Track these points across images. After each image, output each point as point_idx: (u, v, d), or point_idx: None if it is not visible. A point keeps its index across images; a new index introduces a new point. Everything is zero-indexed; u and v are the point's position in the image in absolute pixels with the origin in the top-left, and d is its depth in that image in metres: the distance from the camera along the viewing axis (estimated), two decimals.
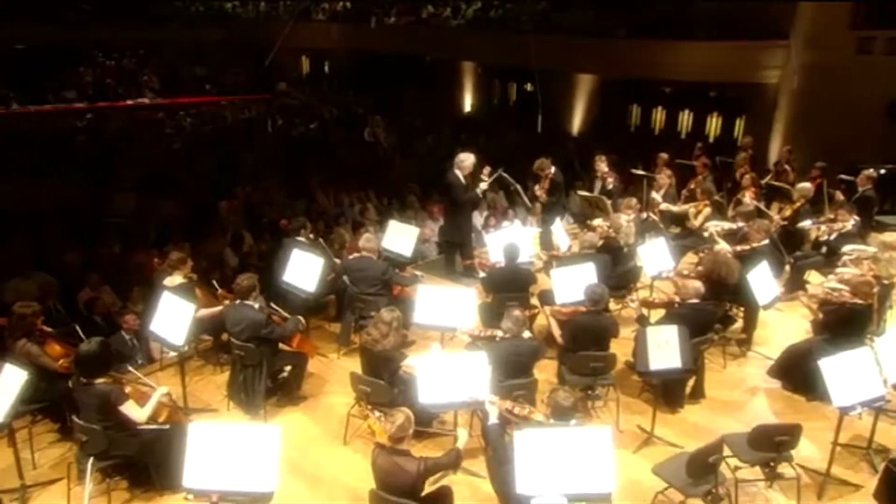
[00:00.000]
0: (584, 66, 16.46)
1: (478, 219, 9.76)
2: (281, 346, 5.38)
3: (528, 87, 18.62)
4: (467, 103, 20.44)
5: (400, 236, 6.86)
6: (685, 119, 15.82)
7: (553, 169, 8.06)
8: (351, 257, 6.23)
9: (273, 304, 5.62)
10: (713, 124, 15.02)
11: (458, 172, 7.37)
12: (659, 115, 16.27)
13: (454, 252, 7.76)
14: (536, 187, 8.10)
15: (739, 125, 14.46)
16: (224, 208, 9.83)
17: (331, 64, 24.11)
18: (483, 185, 7.38)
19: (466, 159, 7.36)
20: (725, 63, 13.36)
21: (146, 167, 11.77)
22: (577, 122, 17.26)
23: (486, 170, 7.50)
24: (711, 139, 14.61)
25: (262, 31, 18.74)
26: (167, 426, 4.28)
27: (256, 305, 5.20)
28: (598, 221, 7.42)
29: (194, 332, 5.35)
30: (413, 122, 17.52)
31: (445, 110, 19.17)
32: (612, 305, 6.52)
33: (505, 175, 8.02)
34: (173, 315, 4.94)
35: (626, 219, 7.07)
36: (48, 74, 18.24)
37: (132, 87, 19.86)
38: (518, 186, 8.12)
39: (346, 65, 22.81)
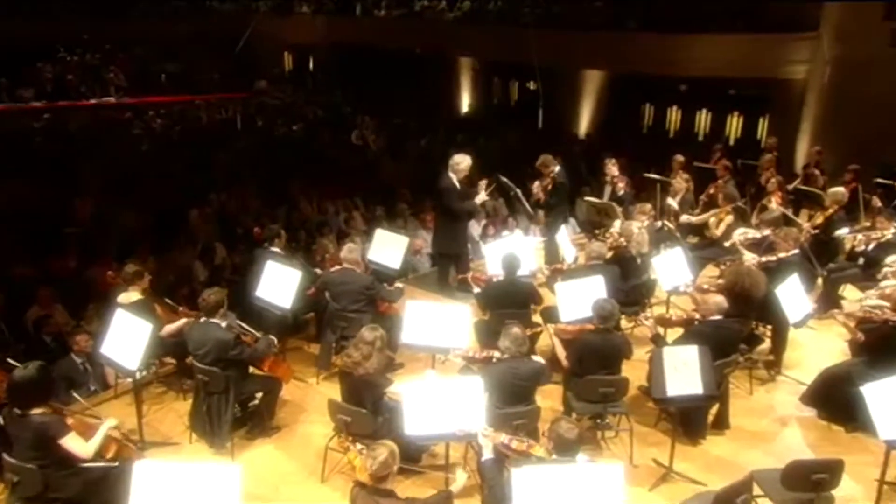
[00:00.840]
0: (592, 61, 16.52)
1: (475, 228, 9.80)
2: (252, 369, 5.26)
3: (531, 85, 18.73)
4: (464, 103, 20.47)
5: (387, 246, 6.81)
6: (703, 119, 15.83)
7: (558, 168, 8.03)
8: (332, 270, 6.16)
9: (244, 324, 5.55)
10: (734, 124, 15.05)
11: (452, 176, 7.36)
12: (674, 116, 16.35)
13: (448, 265, 7.73)
14: (535, 184, 8.03)
15: (762, 125, 14.52)
16: (195, 217, 9.80)
17: (316, 60, 24.21)
18: (481, 197, 7.40)
19: (462, 161, 7.33)
20: (747, 57, 13.34)
21: (110, 171, 11.81)
22: (584, 123, 17.34)
23: (483, 183, 7.50)
24: (732, 141, 14.66)
25: (241, 25, 18.74)
26: (115, 464, 4.08)
27: (224, 324, 5.04)
28: (613, 229, 7.46)
29: (155, 353, 5.26)
30: (405, 123, 17.63)
31: (441, 110, 19.41)
32: (624, 323, 6.52)
33: (504, 180, 8.11)
34: (128, 336, 4.79)
35: (638, 226, 7.06)
36: (2, 71, 18.24)
37: (96, 84, 19.85)
38: (518, 191, 8.07)
39: (333, 61, 22.92)
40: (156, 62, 21.87)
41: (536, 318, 6.26)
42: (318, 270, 6.49)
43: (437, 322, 5.10)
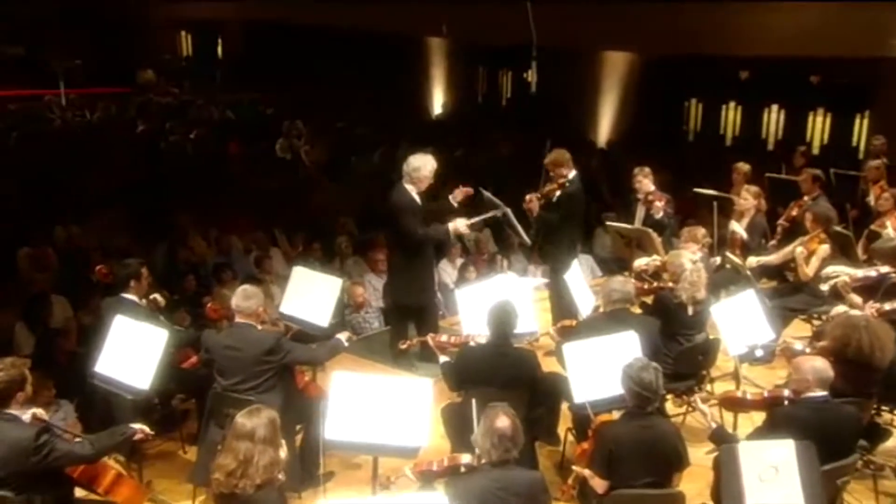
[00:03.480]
0: (615, 39, 16.55)
1: (447, 270, 9.98)
2: (79, 490, 5.06)
3: (530, 76, 18.66)
4: (437, 102, 20.69)
5: (311, 292, 6.85)
6: (773, 119, 15.91)
7: (574, 174, 8.16)
8: (221, 328, 6.21)
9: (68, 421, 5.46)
10: (818, 126, 15.24)
11: (410, 189, 7.41)
12: (732, 114, 16.45)
13: (406, 322, 7.74)
14: (530, 197, 8.20)
15: (860, 125, 14.64)
16: (25, 258, 9.74)
17: (226, 44, 24.70)
18: (462, 226, 7.59)
19: (423, 166, 7.39)
20: (836, 31, 13.32)
21: None
22: (603, 128, 17.50)
23: (460, 193, 7.63)
24: (816, 149, 14.83)
25: None
26: None
27: (27, 415, 4.81)
28: (641, 262, 7.61)
29: None
30: (351, 130, 18.00)
31: (402, 112, 19.68)
32: (671, 407, 6.61)
33: (488, 195, 8.13)
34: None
35: (690, 259, 7.00)
36: None
37: None
38: (509, 211, 7.97)
39: (250, 45, 23.34)
40: None
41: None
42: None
43: (383, 408, 5.09)
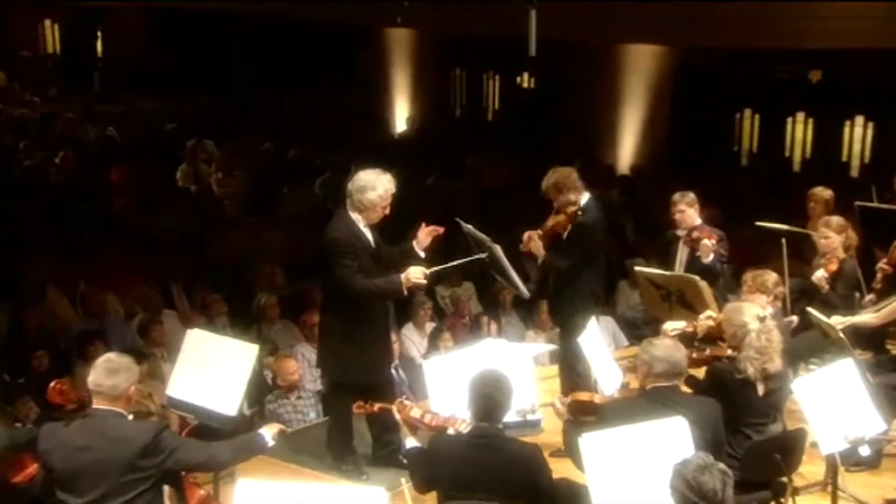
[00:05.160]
0: (640, 30, 16.59)
1: (414, 337, 10.13)
2: None
3: (525, 80, 19.05)
4: (400, 114, 20.90)
5: (214, 367, 6.81)
6: (857, 135, 15.97)
7: (587, 198, 8.26)
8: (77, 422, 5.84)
9: None
10: None
11: (354, 219, 7.48)
12: (801, 130, 16.55)
13: (347, 406, 7.48)
14: (529, 235, 8.30)
15: None
16: None
17: (109, 36, 24.57)
18: (416, 275, 7.45)
19: (373, 186, 7.42)
20: None
21: None
22: (625, 149, 17.66)
23: (424, 234, 7.67)
24: None
25: None
26: None
27: None
28: (677, 325, 7.60)
29: None
30: (283, 152, 18.21)
31: (354, 127, 19.79)
32: None
33: (469, 229, 8.28)
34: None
35: (757, 315, 6.80)
36: None
37: None
38: (497, 250, 8.04)
39: (141, 39, 23.55)
40: None
41: None
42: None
43: None
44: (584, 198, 8.17)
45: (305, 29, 20.28)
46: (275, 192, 15.77)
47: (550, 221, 8.18)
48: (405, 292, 7.76)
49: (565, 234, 8.14)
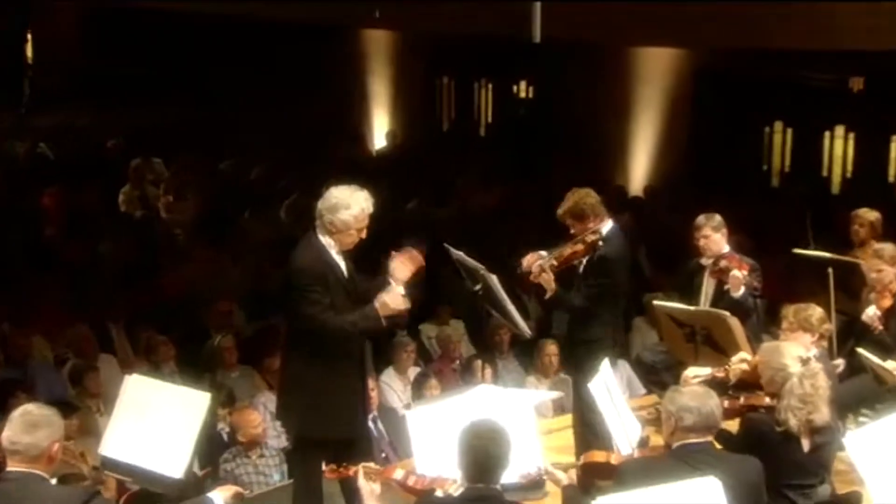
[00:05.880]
0: (654, 31, 16.54)
1: (395, 384, 10.31)
2: None
3: (522, 89, 19.30)
4: (379, 128, 21.16)
5: (158, 419, 6.73)
6: None
7: (609, 226, 8.32)
8: None
9: None
10: None
11: (324, 243, 7.51)
12: (840, 145, 16.57)
13: (317, 464, 7.45)
14: (531, 260, 8.28)
15: None
16: None
17: (39, 38, 24.79)
18: (393, 297, 7.51)
19: (347, 204, 7.44)
20: None
21: None
22: (638, 167, 17.85)
23: (400, 263, 7.65)
24: None
25: None
26: None
27: None
28: (699, 371, 7.63)
29: None
30: (243, 172, 18.43)
31: (325, 144, 20.01)
32: None
33: (460, 256, 8.37)
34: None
35: (799, 356, 6.78)
36: None
37: None
38: (494, 283, 8.11)
39: (82, 40, 23.64)
40: None
41: None
42: None
43: None
44: (607, 226, 8.21)
45: (269, 31, 20.40)
46: (234, 217, 15.74)
47: (567, 250, 8.18)
48: (384, 323, 7.69)
49: (581, 267, 8.20)
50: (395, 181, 17.00)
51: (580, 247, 8.10)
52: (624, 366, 10.58)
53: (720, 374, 7.57)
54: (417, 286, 8.22)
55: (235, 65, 20.95)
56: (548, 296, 8.33)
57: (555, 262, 8.15)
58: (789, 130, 16.71)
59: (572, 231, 8.28)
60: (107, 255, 13.80)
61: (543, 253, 8.42)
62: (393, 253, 7.65)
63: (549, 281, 8.18)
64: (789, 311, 7.74)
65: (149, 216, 16.11)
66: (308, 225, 11.79)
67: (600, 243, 8.08)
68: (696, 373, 7.63)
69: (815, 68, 15.66)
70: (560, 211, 8.33)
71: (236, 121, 20.03)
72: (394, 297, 7.37)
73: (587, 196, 8.27)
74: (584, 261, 8.17)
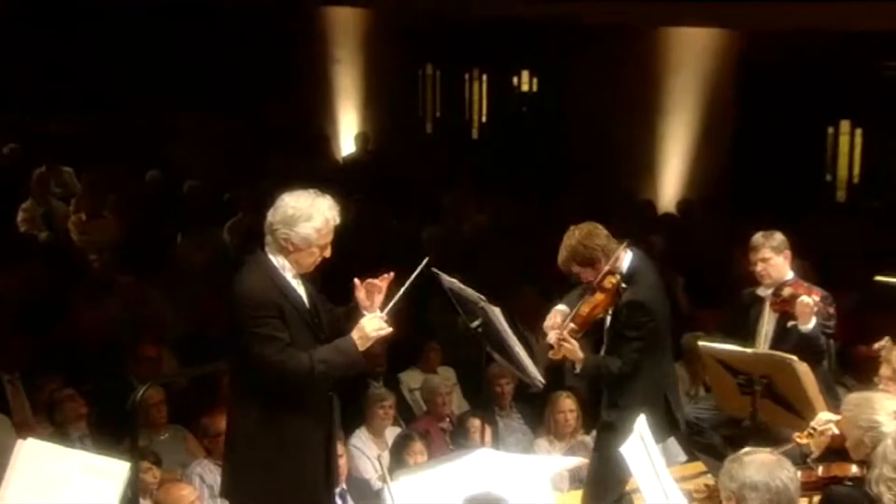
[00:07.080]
0: (692, 11, 17.03)
1: (367, 448, 10.56)
2: None
3: (524, 82, 19.73)
4: (347, 130, 21.46)
5: (55, 493, 6.82)
6: None
7: (628, 259, 8.45)
8: None
9: None
10: None
11: (274, 264, 7.52)
12: None
13: None
14: (556, 322, 8.49)
15: None
16: None
17: None
18: (374, 326, 7.55)
19: (308, 217, 7.46)
20: None
21: None
22: (669, 177, 18.18)
23: (365, 291, 7.70)
24: None
25: None
26: None
27: None
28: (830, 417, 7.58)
29: None
30: (176, 182, 19.05)
31: (281, 148, 20.24)
32: None
33: (453, 283, 8.56)
34: None
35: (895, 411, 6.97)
36: None
37: None
38: (498, 317, 8.24)
39: None
40: None
41: None
42: None
43: None
44: (626, 260, 8.29)
45: (206, 13, 20.76)
46: (164, 239, 16.05)
47: (584, 308, 8.25)
48: (363, 362, 7.76)
49: (609, 321, 8.31)
50: (368, 196, 17.45)
51: (600, 297, 8.22)
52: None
53: (803, 440, 7.58)
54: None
55: (165, 55, 21.33)
56: (578, 369, 8.40)
57: (574, 327, 8.22)
58: (857, 132, 16.73)
59: (582, 281, 8.39)
60: (1, 288, 13.83)
61: (563, 308, 8.44)
62: (357, 282, 7.58)
63: (573, 351, 8.21)
64: (892, 354, 7.78)
65: (55, 238, 16.32)
66: (255, 248, 11.90)
67: (623, 286, 8.21)
68: (828, 417, 7.56)
69: (888, 55, 15.76)
70: (560, 260, 8.34)
71: (166, 123, 20.24)
72: (373, 327, 7.31)
73: (589, 235, 8.27)
74: (610, 311, 8.28)
